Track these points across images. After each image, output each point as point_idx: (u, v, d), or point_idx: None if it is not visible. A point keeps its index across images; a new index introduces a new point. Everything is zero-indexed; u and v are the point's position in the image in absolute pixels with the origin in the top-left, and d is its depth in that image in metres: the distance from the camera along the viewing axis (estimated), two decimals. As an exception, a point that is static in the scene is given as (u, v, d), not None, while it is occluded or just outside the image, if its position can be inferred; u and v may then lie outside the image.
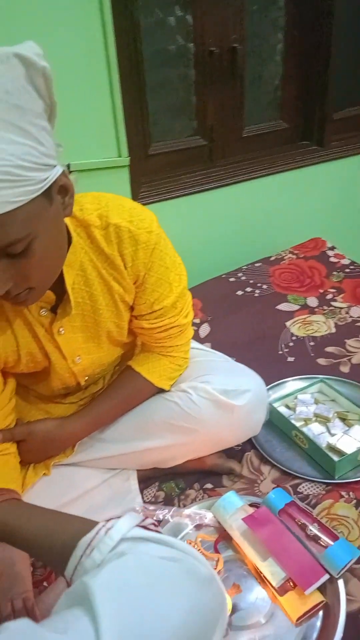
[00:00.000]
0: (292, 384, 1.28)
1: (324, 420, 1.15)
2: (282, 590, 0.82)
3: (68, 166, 0.65)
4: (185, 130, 1.77)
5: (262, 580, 0.84)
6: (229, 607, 0.80)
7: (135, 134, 1.55)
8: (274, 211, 2.02)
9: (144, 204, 0.87)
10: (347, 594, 0.81)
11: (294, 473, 1.04)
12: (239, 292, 1.72)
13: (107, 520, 0.51)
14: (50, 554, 0.54)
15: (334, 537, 0.87)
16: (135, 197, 1.60)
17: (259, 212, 1.98)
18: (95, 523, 0.52)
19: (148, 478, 1.05)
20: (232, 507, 0.93)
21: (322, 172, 2.03)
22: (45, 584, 0.80)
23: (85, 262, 0.80)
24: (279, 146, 1.99)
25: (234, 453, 1.09)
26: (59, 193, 0.65)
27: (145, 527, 0.50)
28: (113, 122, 1.44)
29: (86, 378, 0.96)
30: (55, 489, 0.95)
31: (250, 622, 0.80)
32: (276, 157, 1.96)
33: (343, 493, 0.99)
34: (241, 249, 1.99)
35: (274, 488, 0.99)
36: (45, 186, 0.59)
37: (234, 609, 0.81)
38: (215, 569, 0.86)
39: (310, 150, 2.02)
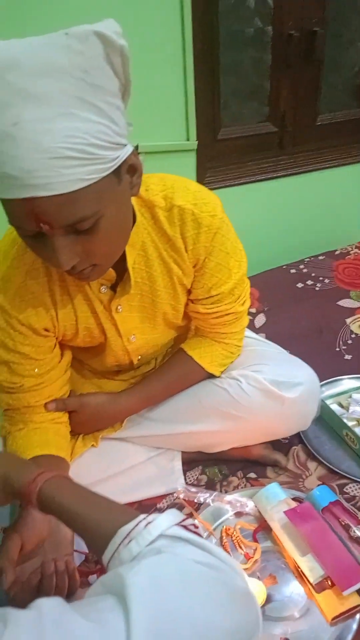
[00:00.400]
0: (347, 382, 1.24)
1: (377, 422, 1.11)
2: (320, 587, 0.80)
3: (136, 147, 0.65)
4: (256, 116, 1.74)
5: (299, 575, 0.83)
6: (264, 597, 0.80)
7: (205, 117, 1.53)
8: (343, 204, 1.95)
9: (209, 189, 0.86)
10: (388, 600, 0.78)
11: (342, 472, 1.01)
12: (299, 285, 1.68)
13: (149, 514, 0.51)
14: (90, 536, 0.56)
15: (379, 542, 0.84)
16: (200, 181, 1.60)
17: (328, 204, 1.92)
18: (136, 514, 0.52)
19: (192, 461, 1.06)
20: (275, 498, 0.92)
21: None
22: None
23: (147, 243, 0.81)
24: (354, 135, 1.91)
25: (281, 445, 1.08)
26: (128, 172, 0.66)
27: (185, 527, 0.50)
28: (184, 104, 1.43)
29: (139, 357, 0.98)
30: (102, 461, 0.98)
31: (284, 614, 0.79)
32: (351, 148, 1.88)
33: (392, 498, 0.95)
34: (305, 240, 1.94)
35: (319, 485, 0.97)
36: (116, 165, 0.60)
37: (268, 600, 0.80)
38: (253, 557, 0.86)
39: (387, 141, 1.93)
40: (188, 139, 1.48)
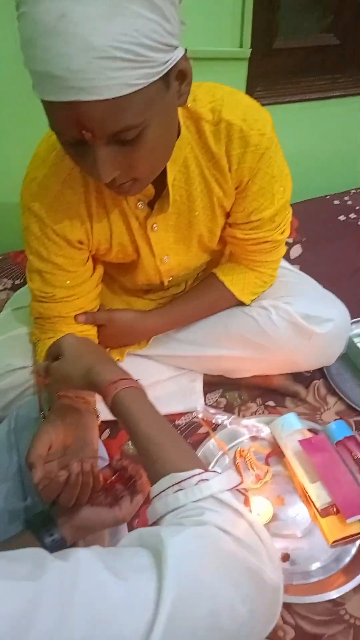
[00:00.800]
0: (378, 323, 1.22)
1: None
2: (325, 512, 0.84)
3: (185, 51, 0.60)
4: (317, 26, 1.57)
5: (306, 500, 0.87)
6: (270, 514, 0.84)
7: (261, 23, 1.40)
8: None
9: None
10: (389, 531, 0.82)
11: (360, 410, 1.03)
12: (341, 218, 1.61)
13: (206, 471, 0.51)
14: (146, 459, 0.58)
15: (388, 478, 0.87)
16: (250, 95, 1.47)
17: (384, 131, 1.78)
18: (195, 463, 0.53)
19: (213, 384, 1.08)
20: (291, 427, 0.94)
21: None
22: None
23: (189, 159, 0.77)
24: None
25: (302, 378, 1.09)
26: (177, 79, 0.61)
27: (238, 491, 0.51)
28: (241, 7, 1.30)
29: (170, 279, 0.97)
30: (126, 375, 1.00)
31: (287, 532, 0.84)
32: None
33: None
34: (354, 170, 1.83)
35: (336, 419, 0.99)
36: (166, 69, 0.56)
37: (274, 518, 0.85)
38: (263, 479, 0.90)
39: None
40: (241, 46, 1.36)
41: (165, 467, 0.54)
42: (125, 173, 0.63)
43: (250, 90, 1.48)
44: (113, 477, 0.74)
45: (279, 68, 1.56)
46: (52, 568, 0.37)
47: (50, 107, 0.56)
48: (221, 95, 0.75)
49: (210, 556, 0.41)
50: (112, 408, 0.63)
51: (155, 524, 0.52)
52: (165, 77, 0.57)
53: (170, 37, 0.54)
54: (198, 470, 0.51)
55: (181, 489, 0.49)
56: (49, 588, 0.36)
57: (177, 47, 0.57)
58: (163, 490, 0.51)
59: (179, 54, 0.57)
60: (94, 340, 0.95)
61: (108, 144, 0.58)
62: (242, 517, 0.47)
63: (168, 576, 0.38)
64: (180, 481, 0.50)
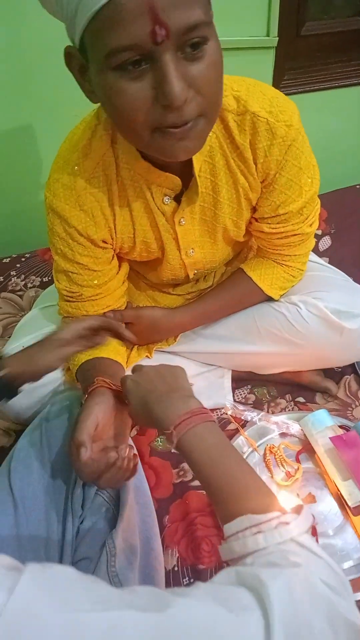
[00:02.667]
0: None
1: None
2: (357, 511, 0.83)
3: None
4: (347, 9, 1.52)
5: (338, 498, 0.86)
6: (301, 513, 0.83)
7: (288, 9, 1.36)
8: None
9: (285, 94, 0.78)
10: None
11: (393, 406, 1.00)
12: (372, 207, 1.56)
13: (283, 513, 0.51)
14: (217, 498, 0.56)
15: None
16: (277, 84, 1.45)
17: None
18: (270, 502, 0.52)
19: (242, 379, 1.07)
20: (322, 424, 0.92)
21: None
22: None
23: (214, 149, 0.76)
24: None
25: (332, 374, 1.07)
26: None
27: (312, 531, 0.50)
28: (268, -8, 1.27)
29: (195, 272, 0.96)
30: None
31: (319, 531, 0.83)
32: None
33: None
34: (385, 158, 1.78)
35: (368, 416, 0.97)
36: None
37: (305, 516, 0.84)
38: (294, 476, 0.89)
39: None
40: (268, 35, 1.32)
41: (240, 506, 0.53)
42: (194, 99, 0.58)
43: (277, 80, 1.44)
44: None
45: (307, 55, 1.52)
46: (173, 601, 0.38)
47: (114, 10, 0.51)
48: (246, 87, 0.74)
49: (305, 597, 0.42)
50: (179, 449, 0.61)
51: (231, 562, 0.52)
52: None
53: None
54: (277, 513, 0.50)
55: (260, 532, 0.49)
56: (173, 620, 0.37)
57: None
58: (240, 531, 0.51)
59: None
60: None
61: (176, 55, 0.54)
62: (321, 559, 0.47)
63: (274, 617, 0.38)
64: (259, 523, 0.50)
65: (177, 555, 0.82)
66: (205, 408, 0.63)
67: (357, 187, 1.64)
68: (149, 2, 0.50)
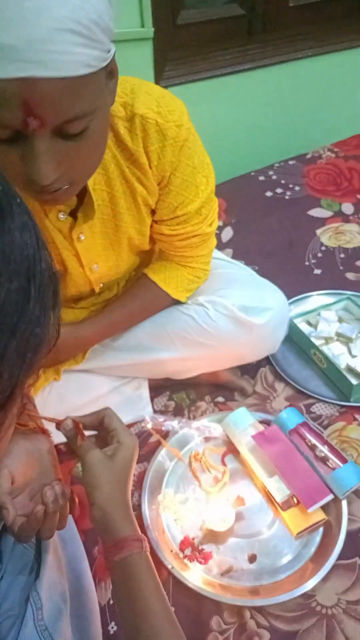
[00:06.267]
0: (316, 299, 1.22)
1: (346, 340, 1.11)
2: (286, 505, 0.83)
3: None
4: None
5: (266, 495, 0.86)
6: (232, 517, 0.82)
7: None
8: (316, 100, 1.80)
9: (169, 85, 0.75)
10: (349, 514, 0.82)
11: (309, 392, 1.02)
12: (268, 194, 1.59)
13: None
14: (129, 634, 0.56)
15: (343, 460, 0.87)
16: (159, 77, 1.41)
17: (300, 101, 1.77)
18: None
19: (159, 387, 1.04)
20: (243, 423, 0.92)
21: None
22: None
23: (107, 160, 0.71)
24: (331, 21, 1.71)
25: (248, 368, 1.07)
26: (107, 77, 0.56)
27: None
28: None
29: (101, 285, 0.91)
30: (66, 394, 0.95)
31: (252, 531, 0.82)
32: (328, 34, 1.69)
33: (357, 416, 0.97)
34: (275, 143, 1.81)
35: (286, 407, 0.98)
36: (109, 58, 0.52)
37: (237, 519, 0.83)
38: (221, 480, 0.88)
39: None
40: (143, 26, 1.28)
41: None
42: (65, 174, 0.56)
43: (158, 72, 1.40)
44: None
45: (186, 45, 1.49)
46: None
47: None
48: (131, 89, 0.70)
49: None
50: (110, 570, 0.60)
51: None
52: (107, 68, 0.53)
53: (111, 24, 0.51)
54: None
55: None
56: None
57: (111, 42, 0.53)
58: None
59: (114, 49, 0.54)
60: None
61: (51, 137, 0.52)
62: None
63: None
64: None
65: (111, 587, 0.78)
66: (139, 535, 0.61)
67: (252, 173, 1.66)
68: (25, 97, 0.47)
